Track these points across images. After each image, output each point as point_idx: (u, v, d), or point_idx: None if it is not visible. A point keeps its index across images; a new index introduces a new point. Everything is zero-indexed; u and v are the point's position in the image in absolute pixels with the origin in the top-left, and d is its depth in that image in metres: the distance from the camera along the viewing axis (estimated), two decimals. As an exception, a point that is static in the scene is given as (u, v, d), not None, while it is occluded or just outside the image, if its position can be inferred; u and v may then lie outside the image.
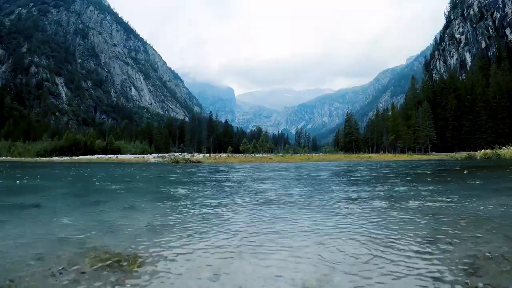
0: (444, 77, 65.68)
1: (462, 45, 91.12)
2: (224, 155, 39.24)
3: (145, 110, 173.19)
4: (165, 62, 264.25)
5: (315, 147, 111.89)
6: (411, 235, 1.91)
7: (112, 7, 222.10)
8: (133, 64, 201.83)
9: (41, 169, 13.87)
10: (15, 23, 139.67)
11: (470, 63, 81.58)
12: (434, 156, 32.14)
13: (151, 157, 33.33)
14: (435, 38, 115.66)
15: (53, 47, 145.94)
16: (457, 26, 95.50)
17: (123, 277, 1.29)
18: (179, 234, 2.00)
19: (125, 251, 1.62)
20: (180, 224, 2.33)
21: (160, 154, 43.02)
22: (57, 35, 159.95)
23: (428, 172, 9.19)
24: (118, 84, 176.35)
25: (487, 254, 1.51)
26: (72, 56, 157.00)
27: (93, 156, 41.90)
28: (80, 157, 40.04)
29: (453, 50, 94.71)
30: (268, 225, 2.25)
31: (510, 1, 75.47)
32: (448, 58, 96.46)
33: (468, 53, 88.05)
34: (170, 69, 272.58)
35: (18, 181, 4.92)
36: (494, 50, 75.03)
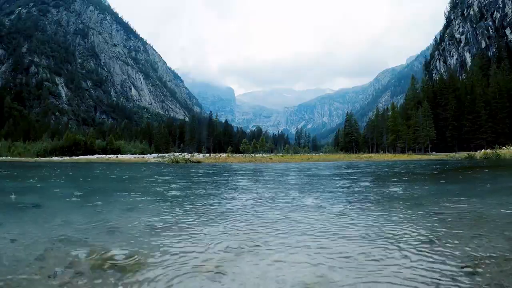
0: (444, 77, 65.63)
1: (462, 45, 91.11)
2: (224, 155, 39.24)
3: (145, 110, 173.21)
4: (165, 62, 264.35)
5: (315, 147, 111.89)
6: (411, 235, 1.91)
7: (112, 7, 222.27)
8: (133, 64, 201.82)
9: (41, 169, 13.87)
10: (15, 23, 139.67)
11: (470, 63, 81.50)
12: (434, 156, 32.14)
13: (151, 157, 33.33)
14: (435, 38, 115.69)
15: (53, 47, 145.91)
16: (457, 26, 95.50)
17: (123, 277, 1.28)
18: (179, 234, 2.00)
19: (125, 251, 1.62)
20: (180, 224, 2.32)
21: (160, 154, 43.01)
22: (57, 35, 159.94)
23: (428, 172, 9.19)
24: (118, 84, 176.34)
25: (487, 254, 1.51)
26: (72, 56, 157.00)
27: (93, 156, 41.90)
28: (80, 157, 40.04)
29: (453, 50, 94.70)
30: (268, 226, 2.25)
31: (510, 1, 75.45)
32: (448, 58, 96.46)
33: (468, 53, 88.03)
34: (170, 69, 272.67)
35: (13, 196, 4.87)
36: (494, 50, 75.04)
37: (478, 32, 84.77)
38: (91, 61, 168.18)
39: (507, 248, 1.60)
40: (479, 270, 1.31)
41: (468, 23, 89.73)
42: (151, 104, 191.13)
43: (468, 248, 1.60)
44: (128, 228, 2.18)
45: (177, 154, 37.99)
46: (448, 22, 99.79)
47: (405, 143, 55.90)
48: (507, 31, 74.98)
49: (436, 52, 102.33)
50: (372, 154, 39.25)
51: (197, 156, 30.85)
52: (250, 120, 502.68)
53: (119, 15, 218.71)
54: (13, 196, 3.41)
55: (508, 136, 44.01)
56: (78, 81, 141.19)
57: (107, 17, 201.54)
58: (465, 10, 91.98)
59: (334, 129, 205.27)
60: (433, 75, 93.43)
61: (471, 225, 2.15)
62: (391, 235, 1.90)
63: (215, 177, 7.88)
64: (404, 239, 1.82)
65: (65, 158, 37.06)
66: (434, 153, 45.54)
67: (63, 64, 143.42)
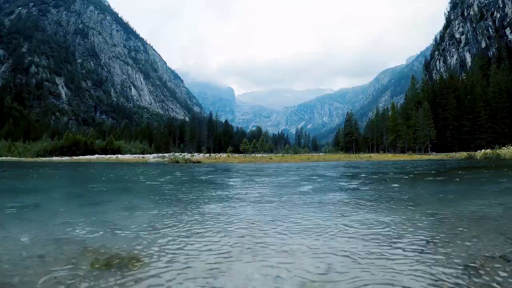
0: (444, 77, 65.62)
1: (462, 45, 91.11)
2: (224, 155, 39.24)
3: (145, 110, 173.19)
4: (165, 62, 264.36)
5: (315, 147, 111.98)
6: (411, 235, 1.91)
7: (112, 7, 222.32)
8: (133, 64, 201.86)
9: (41, 169, 13.87)
10: (15, 23, 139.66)
11: (470, 63, 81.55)
12: (434, 156, 32.13)
13: (151, 157, 33.31)
14: (435, 38, 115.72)
15: (53, 47, 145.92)
16: (457, 26, 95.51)
17: (123, 277, 1.29)
18: (179, 234, 2.00)
19: (125, 251, 1.62)
20: (180, 224, 2.33)
21: (160, 154, 43.02)
22: (57, 35, 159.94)
23: (428, 172, 9.19)
24: (118, 84, 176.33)
25: (487, 254, 1.51)
26: (72, 56, 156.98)
27: (93, 156, 41.91)
28: (80, 157, 40.05)
29: (453, 50, 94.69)
30: (268, 225, 2.25)
31: (510, 1, 75.44)
32: (448, 58, 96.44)
33: (468, 53, 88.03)
34: (170, 69, 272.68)
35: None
36: (494, 50, 75.03)
37: (478, 32, 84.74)
38: (91, 61, 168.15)
39: (507, 248, 1.60)
40: (479, 270, 1.31)
41: (468, 23, 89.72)
42: (151, 104, 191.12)
43: (468, 248, 1.60)
44: (128, 228, 2.18)
45: (177, 154, 38.02)
46: (448, 22, 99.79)
47: (405, 143, 55.89)
48: (507, 31, 74.95)
49: (436, 52, 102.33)
50: (372, 154, 39.24)
51: (197, 156, 30.86)
52: (250, 120, 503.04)
53: (119, 15, 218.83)
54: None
55: (508, 136, 44.02)
56: (78, 81, 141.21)
57: (107, 17, 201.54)
58: (465, 10, 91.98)
59: (334, 129, 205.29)
60: (433, 75, 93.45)
61: (471, 225, 2.15)
62: (391, 235, 1.91)
63: (215, 177, 7.88)
64: (404, 239, 1.82)
65: (65, 158, 37.06)
66: (434, 153, 45.53)
67: (63, 64, 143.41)
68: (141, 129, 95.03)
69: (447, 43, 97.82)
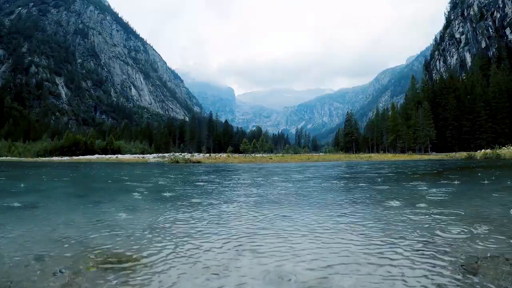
0: (444, 77, 65.61)
1: (462, 45, 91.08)
2: (224, 155, 39.24)
3: (145, 110, 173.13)
4: (165, 62, 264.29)
5: (315, 147, 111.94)
6: (411, 235, 1.91)
7: (112, 7, 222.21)
8: (133, 64, 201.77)
9: (41, 169, 13.87)
10: (15, 23, 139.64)
11: (470, 63, 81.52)
12: (434, 156, 32.13)
13: (151, 157, 33.31)
14: (435, 38, 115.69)
15: (53, 47, 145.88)
16: (457, 26, 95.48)
17: (123, 277, 1.28)
18: (179, 234, 2.01)
19: (125, 251, 1.62)
20: (180, 224, 2.33)
21: (160, 154, 43.02)
22: (57, 35, 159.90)
23: (428, 172, 9.20)
24: (118, 84, 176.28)
25: (487, 254, 1.51)
26: (72, 56, 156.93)
27: (93, 156, 41.92)
28: (80, 157, 40.06)
29: (453, 50, 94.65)
30: (267, 225, 2.25)
31: (510, 1, 75.42)
32: (448, 58, 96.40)
33: (468, 53, 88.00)
34: (170, 69, 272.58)
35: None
36: (494, 50, 75.00)
37: (478, 32, 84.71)
38: (91, 61, 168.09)
39: (507, 248, 1.60)
40: (479, 270, 1.31)
41: (468, 23, 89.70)
42: (151, 104, 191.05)
43: (468, 248, 1.60)
44: (128, 228, 2.18)
45: (177, 154, 38.00)
46: (448, 22, 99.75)
47: (405, 143, 55.87)
48: (507, 31, 74.93)
49: (436, 52, 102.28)
50: (372, 154, 39.24)
51: (197, 156, 30.85)
52: (250, 120, 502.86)
53: (119, 15, 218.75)
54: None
55: (508, 136, 44.01)
56: (78, 81, 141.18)
57: (107, 17, 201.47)
58: (465, 10, 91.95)
59: (334, 129, 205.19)
60: (433, 75, 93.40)
61: (472, 225, 2.15)
62: (391, 235, 1.91)
63: (215, 177, 7.88)
64: (404, 239, 1.82)
65: (65, 158, 37.07)
66: (434, 153, 45.52)
67: (63, 64, 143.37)
68: (141, 129, 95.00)
69: (447, 43, 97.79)
